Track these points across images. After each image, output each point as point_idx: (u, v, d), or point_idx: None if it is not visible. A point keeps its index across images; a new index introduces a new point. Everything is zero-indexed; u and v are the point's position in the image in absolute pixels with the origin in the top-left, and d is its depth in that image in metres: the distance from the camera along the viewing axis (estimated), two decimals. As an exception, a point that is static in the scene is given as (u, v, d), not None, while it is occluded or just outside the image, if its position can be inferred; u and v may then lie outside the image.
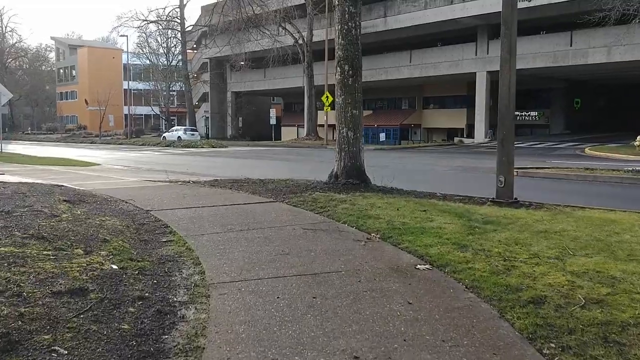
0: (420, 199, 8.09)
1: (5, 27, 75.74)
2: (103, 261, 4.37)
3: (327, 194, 7.94)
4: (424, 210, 6.83)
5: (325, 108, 39.23)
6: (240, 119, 59.97)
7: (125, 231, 5.50)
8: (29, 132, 68.23)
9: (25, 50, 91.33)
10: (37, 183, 9.50)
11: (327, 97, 38.79)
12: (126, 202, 7.50)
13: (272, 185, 9.77)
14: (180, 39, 57.49)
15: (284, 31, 43.22)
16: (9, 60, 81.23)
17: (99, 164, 19.27)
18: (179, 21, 55.65)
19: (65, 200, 6.79)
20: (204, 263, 4.58)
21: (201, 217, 6.46)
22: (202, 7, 52.33)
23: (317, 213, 6.79)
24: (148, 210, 6.85)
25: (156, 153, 28.16)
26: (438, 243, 5.22)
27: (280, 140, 49.71)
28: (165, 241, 5.32)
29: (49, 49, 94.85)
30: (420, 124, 46.90)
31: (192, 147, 34.27)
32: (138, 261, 4.52)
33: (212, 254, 4.86)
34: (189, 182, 10.97)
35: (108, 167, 17.19)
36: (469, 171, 16.56)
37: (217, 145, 34.93)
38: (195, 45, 62.52)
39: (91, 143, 45.10)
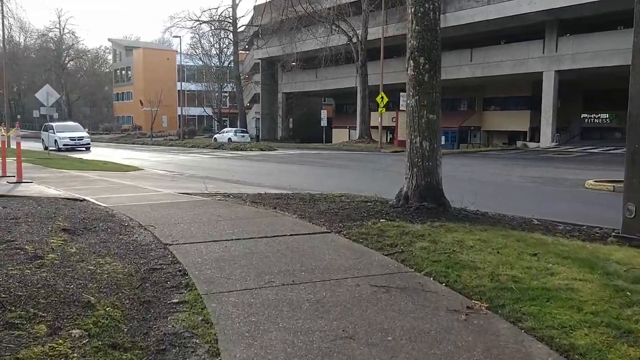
0: (518, 231, 6.21)
1: (63, 29, 77.43)
2: (70, 352, 2.81)
3: (397, 223, 6.18)
4: (535, 254, 4.97)
5: (379, 109, 37.34)
6: (291, 120, 58.82)
7: (125, 285, 3.94)
8: (87, 131, 69.42)
9: (85, 52, 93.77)
10: (52, 198, 8.20)
11: (381, 97, 36.89)
12: (145, 229, 6.00)
13: (325, 204, 8.09)
14: (232, 39, 56.94)
15: (337, 29, 41.60)
16: (68, 62, 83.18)
17: (141, 169, 18.18)
18: (231, 21, 55.07)
19: (64, 230, 5.34)
20: (225, 355, 2.95)
21: (232, 257, 4.84)
22: (255, 7, 51.39)
23: (386, 254, 5.06)
24: (167, 244, 5.30)
25: (204, 156, 27.08)
26: (581, 322, 3.40)
27: (331, 142, 48.08)
28: (176, 303, 3.72)
29: (107, 50, 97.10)
30: (480, 126, 44.21)
31: (241, 149, 33.11)
32: (125, 349, 2.93)
33: (239, 334, 3.22)
34: (229, 196, 9.45)
35: (148, 174, 16.00)
36: (550, 183, 14.36)
37: (265, 148, 33.65)
38: (247, 46, 61.91)
39: (142, 144, 44.90)
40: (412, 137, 7.04)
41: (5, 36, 74.53)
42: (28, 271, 3.95)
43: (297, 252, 5.09)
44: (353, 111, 51.83)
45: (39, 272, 3.96)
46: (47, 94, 24.34)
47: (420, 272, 4.51)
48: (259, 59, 57.06)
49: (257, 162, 22.85)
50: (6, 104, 36.49)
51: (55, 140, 31.79)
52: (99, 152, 30.72)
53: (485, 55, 38.01)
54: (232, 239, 5.56)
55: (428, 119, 6.93)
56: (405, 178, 7.20)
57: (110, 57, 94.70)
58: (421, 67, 6.90)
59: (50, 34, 79.75)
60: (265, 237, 5.69)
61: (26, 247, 4.56)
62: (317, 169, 19.20)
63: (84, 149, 32.21)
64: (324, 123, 45.64)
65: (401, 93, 39.56)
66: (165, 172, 17.36)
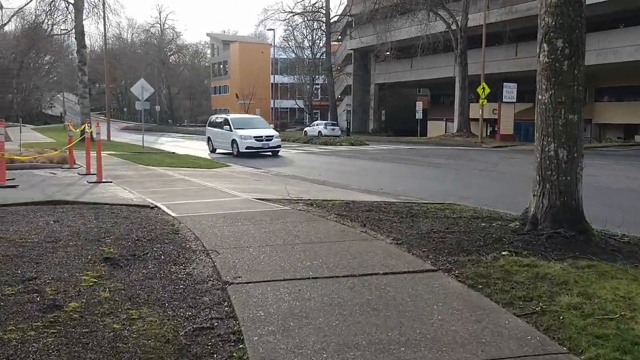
0: None
1: (164, 25, 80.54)
2: None
3: (527, 260, 4.66)
4: None
5: (480, 101, 34.81)
6: (383, 112, 57.05)
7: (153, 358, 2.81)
8: (185, 124, 71.90)
9: (185, 47, 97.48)
10: (120, 205, 7.43)
11: (482, 88, 34.33)
12: (207, 255, 4.94)
13: (426, 222, 6.66)
14: (325, 30, 56.13)
15: (435, 17, 39.34)
16: (170, 56, 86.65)
17: (229, 165, 17.58)
18: (324, 12, 54.22)
19: (106, 259, 4.38)
20: None
21: (306, 312, 3.60)
22: (348, -4, 50.16)
23: (520, 315, 3.59)
24: (227, 282, 4.17)
25: (292, 151, 26.30)
26: None
27: (426, 135, 45.88)
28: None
29: (206, 45, 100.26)
30: (591, 119, 40.08)
31: (331, 144, 32.04)
32: None
33: None
34: (312, 204, 8.27)
35: (234, 171, 15.30)
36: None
37: (356, 143, 32.33)
38: (339, 37, 60.87)
39: (235, 137, 45.29)
40: (544, 142, 5.43)
41: (112, 33, 78.87)
42: (32, 333, 2.95)
43: (394, 306, 3.75)
44: (450, 102, 49.21)
45: (45, 335, 2.94)
46: (141, 88, 24.59)
47: (579, 357, 3.02)
48: (351, 49, 55.82)
49: (347, 158, 21.63)
50: (107, 98, 37.98)
51: (234, 141, 22.41)
52: (195, 146, 30.99)
53: (601, 41, 34.18)
54: (308, 277, 4.32)
55: (566, 120, 5.30)
56: (533, 195, 5.61)
57: (209, 51, 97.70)
58: (559, 52, 5.27)
59: (152, 30, 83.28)
60: (352, 276, 4.40)
61: (47, 289, 3.60)
62: (413, 168, 17.62)
63: (270, 153, 22.85)
64: (419, 115, 43.58)
65: (504, 83, 36.69)
66: (251, 170, 16.60)
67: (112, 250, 4.65)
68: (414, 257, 5.01)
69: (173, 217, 6.98)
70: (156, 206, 7.85)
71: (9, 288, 3.60)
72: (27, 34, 75.84)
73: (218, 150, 24.09)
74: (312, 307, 3.68)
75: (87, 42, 35.39)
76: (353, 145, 31.30)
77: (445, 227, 6.29)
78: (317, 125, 46.50)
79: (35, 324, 3.08)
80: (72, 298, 3.51)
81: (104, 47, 34.94)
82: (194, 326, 3.31)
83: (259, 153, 22.29)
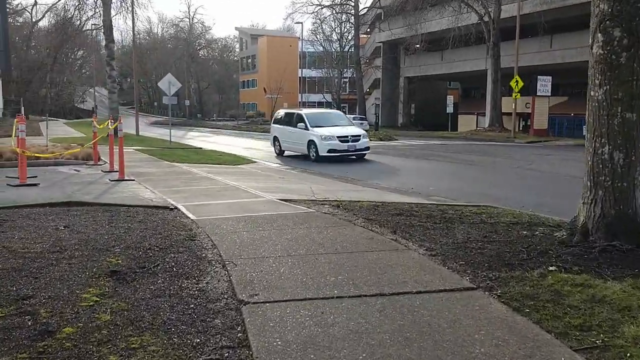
0: None
1: (192, 19, 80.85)
2: None
3: (579, 278, 4.13)
4: None
5: (513, 94, 33.74)
6: (413, 105, 56.12)
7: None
8: (214, 118, 72.19)
9: (214, 41, 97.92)
10: (137, 206, 7.11)
11: (516, 81, 33.26)
12: (223, 266, 4.56)
13: (461, 228, 6.15)
14: (353, 23, 55.45)
15: (466, 8, 38.29)
16: (199, 50, 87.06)
17: (254, 161, 17.27)
18: (353, 4, 53.52)
19: (113, 272, 4.02)
20: None
21: (329, 341, 3.17)
22: (378, -12, 49.33)
23: (578, 350, 3.08)
24: (242, 301, 3.77)
25: (320, 146, 25.84)
26: None
27: (456, 130, 44.89)
28: None
29: (235, 39, 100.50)
30: (634, 113, 38.48)
31: (360, 139, 31.51)
32: None
33: None
34: (338, 206, 7.83)
35: (259, 168, 14.95)
36: None
37: (385, 138, 31.70)
38: (368, 29, 60.08)
39: (263, 131, 44.99)
40: (597, 144, 4.86)
41: (143, 28, 79.51)
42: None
43: (429, 335, 3.28)
44: (481, 96, 48.09)
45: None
46: (169, 83, 24.47)
47: (656, 411, 2.51)
48: (380, 42, 55.02)
49: (375, 154, 21.07)
50: (135, 92, 38.15)
51: (312, 142, 17.97)
52: (222, 141, 30.85)
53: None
54: (332, 297, 3.88)
55: (623, 120, 4.73)
56: (583, 203, 5.05)
57: (237, 45, 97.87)
58: (615, 42, 4.70)
59: (181, 24, 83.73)
60: (381, 295, 3.94)
61: (41, 310, 3.25)
62: (444, 165, 16.99)
63: (355, 157, 18.23)
64: (449, 109, 42.61)
65: (538, 76, 35.51)
66: (277, 166, 16.24)
67: (120, 261, 4.30)
68: (450, 271, 4.53)
69: (191, 220, 6.63)
70: (176, 207, 7.52)
71: (0, 310, 3.26)
72: (60, 29, 77.23)
73: (287, 153, 20.05)
74: (335, 335, 3.24)
75: (119, 36, 35.68)
76: (382, 140, 30.69)
77: (483, 235, 5.78)
78: (345, 119, 45.90)
79: (20, 355, 2.72)
80: (67, 322, 3.15)
81: (132, 41, 34.96)
82: (202, 357, 2.91)
83: (345, 157, 17.94)
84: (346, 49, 62.05)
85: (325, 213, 7.30)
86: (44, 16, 78.16)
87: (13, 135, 12.90)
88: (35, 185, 9.59)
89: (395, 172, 14.87)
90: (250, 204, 7.94)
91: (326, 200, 8.64)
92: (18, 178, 10.60)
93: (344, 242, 5.57)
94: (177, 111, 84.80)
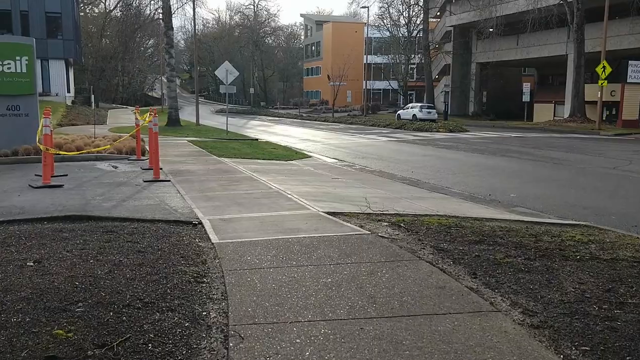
0: None
1: (257, 6, 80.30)
2: None
3: None
4: None
5: (599, 81, 30.53)
6: (484, 93, 52.90)
7: None
8: (277, 106, 71.58)
9: (280, 28, 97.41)
10: (153, 221, 5.80)
11: (603, 67, 30.04)
12: (223, 344, 3.13)
13: (569, 274, 4.41)
14: (422, 6, 52.82)
15: (547, -13, 35.12)
16: (264, 38, 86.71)
17: (309, 156, 15.87)
18: (421, -14, 50.90)
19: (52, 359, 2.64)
20: None
21: None
22: (449, -32, 46.52)
23: None
24: None
25: (382, 139, 24.12)
26: None
27: (532, 120, 41.66)
28: None
29: (300, 26, 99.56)
30: None
31: (426, 130, 29.42)
32: None
33: None
34: (399, 225, 6.25)
35: (313, 165, 13.51)
36: None
37: (455, 129, 29.44)
38: (438, 13, 57.18)
39: (324, 121, 43.67)
40: None
41: (211, 17, 79.75)
42: None
43: None
44: (559, 83, 44.48)
45: None
46: (226, 72, 23.48)
47: None
48: (451, 26, 52.13)
49: (445, 149, 19.15)
50: (196, 81, 37.68)
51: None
52: (281, 131, 29.74)
53: None
54: None
55: None
56: None
57: (302, 33, 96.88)
58: None
59: (246, 12, 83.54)
60: None
61: None
62: (525, 163, 14.88)
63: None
64: (526, 98, 39.56)
65: (630, 61, 31.96)
66: (333, 162, 14.74)
67: (70, 334, 2.94)
68: (564, 348, 2.87)
69: (211, 245, 5.26)
70: (200, 223, 6.20)
71: None
72: (131, 18, 78.92)
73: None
74: None
75: (189, 25, 35.08)
76: (452, 131, 28.50)
77: (604, 289, 4.04)
78: (411, 108, 43.68)
79: None
80: None
81: (193, 30, 34.39)
82: None
83: None
84: (414, 34, 59.39)
85: (381, 237, 5.73)
86: (116, 6, 80.00)
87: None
88: (58, 186, 8.60)
89: (467, 172, 13.01)
90: (289, 219, 6.49)
91: (384, 214, 7.07)
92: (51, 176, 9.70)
93: (403, 293, 4.00)
94: (242, 99, 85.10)
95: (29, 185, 8.62)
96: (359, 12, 79.64)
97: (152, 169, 11.07)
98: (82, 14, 74.50)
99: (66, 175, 9.92)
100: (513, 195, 9.79)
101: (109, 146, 12.20)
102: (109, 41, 76.03)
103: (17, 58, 12.73)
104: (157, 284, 3.89)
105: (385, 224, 6.50)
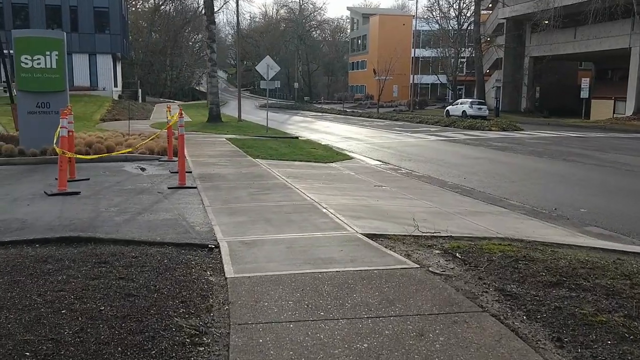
0: None
1: (302, -1, 79.43)
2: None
3: None
4: None
5: (669, 77, 28.14)
6: (538, 89, 50.32)
7: None
8: (321, 101, 70.63)
9: (326, 22, 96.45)
10: (161, 244, 4.91)
11: (674, 61, 27.64)
12: None
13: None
14: (473, -3, 50.70)
15: (612, -25, 32.71)
16: (308, 32, 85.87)
17: (351, 157, 14.82)
18: (473, -23, 48.76)
19: None
20: None
21: None
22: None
23: None
24: None
25: (430, 137, 22.79)
26: None
27: (589, 117, 39.17)
28: None
29: (347, 20, 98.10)
30: None
31: (477, 128, 27.79)
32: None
33: None
34: (452, 254, 5.18)
35: (354, 168, 12.46)
36: None
37: (508, 127, 27.70)
38: (490, 5, 54.79)
39: (368, 117, 42.39)
40: None
41: (259, 11, 79.53)
42: None
43: None
44: (619, 78, 41.64)
45: None
46: (267, 66, 22.67)
47: None
48: (504, 18, 49.74)
49: (499, 151, 17.73)
50: (238, 76, 37.09)
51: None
52: (324, 127, 28.77)
53: None
54: None
55: None
56: None
57: (348, 26, 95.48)
58: None
59: (291, 5, 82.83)
60: None
61: None
62: (591, 170, 13.37)
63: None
64: (584, 94, 37.20)
65: None
66: (376, 165, 13.65)
67: None
68: None
69: (224, 279, 4.34)
70: (217, 246, 5.30)
71: None
72: (179, 13, 79.58)
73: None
74: None
75: (235, 20, 34.48)
76: (505, 130, 26.80)
77: None
78: (461, 103, 41.86)
79: None
80: None
81: (236, 24, 33.78)
82: None
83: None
84: (464, 27, 57.15)
85: (433, 272, 4.67)
86: (165, 1, 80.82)
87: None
88: (74, 194, 7.89)
89: (526, 179, 11.68)
90: (322, 244, 5.50)
91: (435, 236, 5.99)
92: (71, 180, 9.06)
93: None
94: (287, 94, 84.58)
95: (44, 192, 7.94)
96: (407, 5, 77.76)
97: (174, 175, 10.32)
98: (133, 9, 75.68)
99: (87, 179, 9.26)
100: (583, 210, 8.48)
101: (131, 149, 11.48)
102: (158, 36, 76.91)
103: (47, 53, 12.20)
104: (137, 351, 2.97)
105: (437, 251, 5.43)
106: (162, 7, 77.27)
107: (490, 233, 6.48)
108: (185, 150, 14.59)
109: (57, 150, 8.01)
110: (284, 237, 5.77)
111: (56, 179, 8.99)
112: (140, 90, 57.46)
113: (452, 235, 6.17)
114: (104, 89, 44.72)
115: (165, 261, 4.62)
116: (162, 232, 5.78)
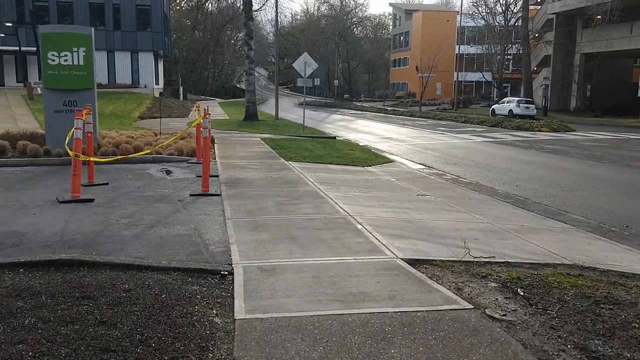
0: None
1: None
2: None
3: None
4: None
5: None
6: (588, 87, 47.84)
7: None
8: (361, 99, 69.48)
9: (368, 18, 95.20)
10: (160, 273, 4.14)
11: None
12: None
13: None
14: (522, -9, 48.56)
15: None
16: (349, 28, 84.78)
17: (391, 160, 13.85)
18: (522, -30, 46.73)
19: None
20: None
21: None
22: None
23: None
24: None
25: (476, 139, 21.52)
26: None
27: (642, 116, 36.80)
28: None
29: (389, 16, 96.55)
30: None
31: (527, 129, 26.24)
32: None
33: None
34: (512, 289, 4.24)
35: (395, 172, 11.49)
36: None
37: (559, 128, 26.06)
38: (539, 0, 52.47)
39: (410, 115, 41.09)
40: None
41: (300, 8, 79.08)
42: None
43: None
44: (680, 76, 39.02)
45: None
46: (304, 64, 21.89)
47: None
48: (553, 13, 47.49)
49: (552, 154, 16.43)
50: (276, 74, 36.47)
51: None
52: (363, 127, 27.81)
53: None
54: None
55: None
56: None
57: (390, 22, 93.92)
58: None
59: (333, 1, 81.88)
60: None
61: None
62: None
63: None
64: (641, 93, 34.88)
65: None
66: (419, 169, 12.65)
67: None
68: None
69: (232, 322, 3.53)
70: (230, 272, 4.52)
71: None
72: (222, 11, 79.87)
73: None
74: None
75: (278, 18, 33.94)
76: (556, 130, 25.21)
77: None
78: (507, 102, 40.07)
79: None
80: None
81: (275, 21, 33.11)
82: None
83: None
84: (511, 22, 54.96)
85: (490, 317, 3.74)
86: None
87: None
88: (88, 201, 7.26)
89: (587, 188, 10.48)
90: (354, 273, 4.63)
91: (489, 263, 5.05)
92: (89, 185, 8.49)
93: None
94: (327, 91, 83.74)
95: (56, 198, 7.34)
96: (451, 1, 75.62)
97: (209, 176, 9.63)
98: (178, 7, 76.36)
99: (107, 184, 8.65)
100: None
101: (149, 151, 10.86)
102: (201, 34, 77.38)
103: (75, 49, 11.71)
104: None
105: (493, 284, 4.49)
106: (205, 5, 77.66)
107: (554, 258, 5.48)
108: (217, 151, 14.03)
109: (70, 153, 7.40)
110: (310, 262, 4.92)
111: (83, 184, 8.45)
112: (181, 88, 57.73)
113: (510, 261, 5.21)
114: (145, 87, 44.90)
115: (163, 296, 3.84)
116: (171, 252, 5.03)
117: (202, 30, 77.52)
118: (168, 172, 10.14)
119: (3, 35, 39.21)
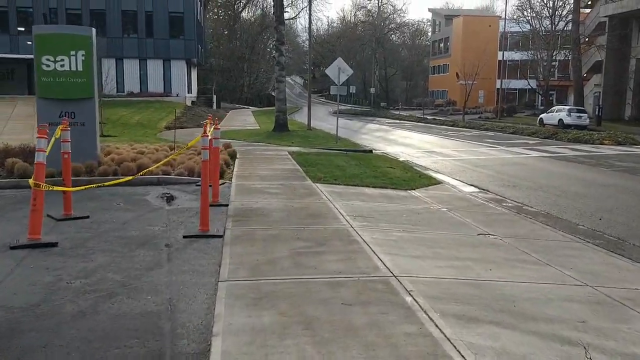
0: None
1: (381, 0, 76.45)
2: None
3: None
4: None
5: None
6: (644, 94, 44.41)
7: None
8: (398, 107, 67.21)
9: (406, 24, 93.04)
10: None
11: None
12: None
13: None
14: (572, -7, 45.70)
15: None
16: (386, 34, 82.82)
17: (437, 181, 11.83)
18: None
19: None
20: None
21: None
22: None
23: None
24: None
25: (531, 153, 19.20)
26: None
27: None
28: None
29: (427, 22, 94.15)
30: None
31: (585, 142, 23.65)
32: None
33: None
34: None
35: (444, 200, 9.47)
36: None
37: (624, 141, 23.38)
38: (589, 2, 49.41)
39: (452, 125, 38.69)
40: None
41: (337, 16, 77.65)
42: None
43: None
44: None
45: None
46: (338, 70, 20.07)
47: None
48: (606, 16, 44.41)
49: (628, 174, 14.09)
50: (308, 82, 34.78)
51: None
52: (402, 138, 25.77)
53: None
54: None
55: None
56: None
57: (429, 28, 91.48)
58: None
59: (369, 6, 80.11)
60: None
61: None
62: None
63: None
64: None
65: None
66: (472, 192, 10.60)
67: None
68: None
69: None
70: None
71: None
72: (258, 19, 79.12)
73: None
74: None
75: (313, 26, 32.37)
76: (620, 144, 22.58)
77: None
78: (557, 111, 37.32)
79: None
80: None
81: (309, 26, 31.49)
82: None
83: None
84: (559, 27, 51.95)
85: None
86: (244, 7, 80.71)
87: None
88: (49, 245, 5.56)
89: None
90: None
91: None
92: (64, 219, 6.84)
93: None
94: (363, 99, 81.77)
95: (8, 244, 5.65)
96: (492, 6, 72.82)
97: (215, 205, 7.86)
98: (215, 17, 75.95)
99: (87, 217, 6.96)
100: None
101: (131, 178, 9.13)
102: (238, 43, 76.74)
103: (72, 53, 10.19)
104: None
105: None
106: (240, 13, 77.07)
107: None
108: (235, 168, 12.28)
109: (30, 182, 5.71)
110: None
111: (48, 215, 6.80)
112: (215, 97, 56.76)
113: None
114: (177, 95, 43.94)
115: None
116: (117, 353, 3.22)
117: (238, 38, 76.88)
118: (169, 200, 8.41)
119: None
